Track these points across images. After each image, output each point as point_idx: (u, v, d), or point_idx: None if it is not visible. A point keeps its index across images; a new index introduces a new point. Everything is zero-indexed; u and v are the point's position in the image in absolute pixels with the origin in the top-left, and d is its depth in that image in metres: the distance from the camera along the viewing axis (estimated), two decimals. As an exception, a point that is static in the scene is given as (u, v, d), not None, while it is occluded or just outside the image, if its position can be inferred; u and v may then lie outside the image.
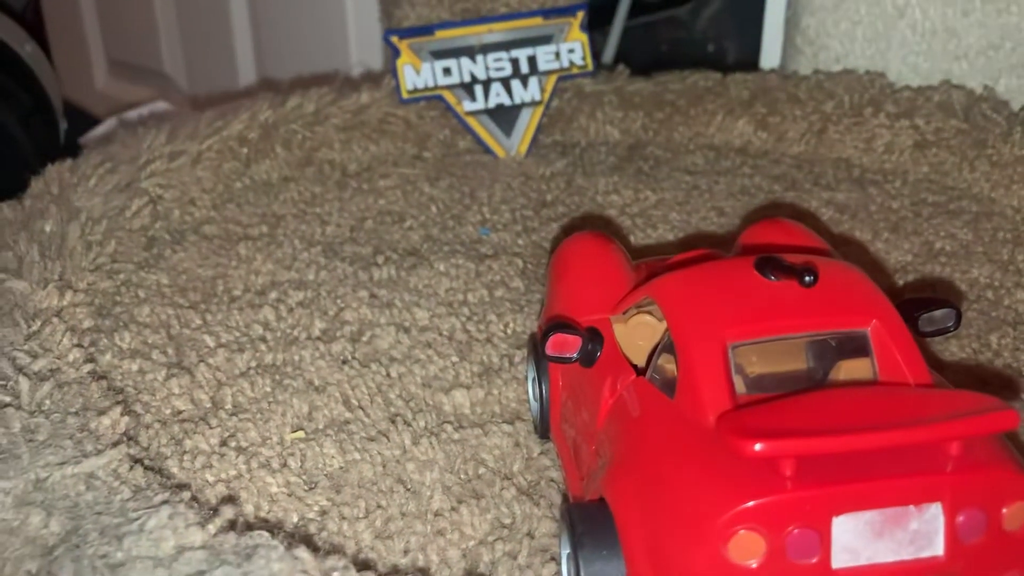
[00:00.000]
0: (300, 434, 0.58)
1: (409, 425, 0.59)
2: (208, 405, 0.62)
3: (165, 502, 0.43)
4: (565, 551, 0.45)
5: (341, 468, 0.56)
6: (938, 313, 0.50)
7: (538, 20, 1.10)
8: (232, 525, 0.43)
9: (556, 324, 0.50)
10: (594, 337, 0.51)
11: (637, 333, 0.51)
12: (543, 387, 0.56)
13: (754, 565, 0.37)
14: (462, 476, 0.55)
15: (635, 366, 0.49)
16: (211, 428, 0.58)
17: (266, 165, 0.99)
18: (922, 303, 0.50)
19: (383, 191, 0.97)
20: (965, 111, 0.96)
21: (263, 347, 0.68)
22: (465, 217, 0.92)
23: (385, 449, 0.57)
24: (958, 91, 0.99)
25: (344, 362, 0.66)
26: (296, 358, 0.67)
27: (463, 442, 0.57)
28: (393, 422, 0.59)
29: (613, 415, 0.47)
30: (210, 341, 0.69)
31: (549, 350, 0.50)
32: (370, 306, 0.73)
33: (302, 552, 0.40)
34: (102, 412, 0.53)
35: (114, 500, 0.44)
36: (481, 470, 0.55)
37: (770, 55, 1.26)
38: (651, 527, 0.40)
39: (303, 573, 0.39)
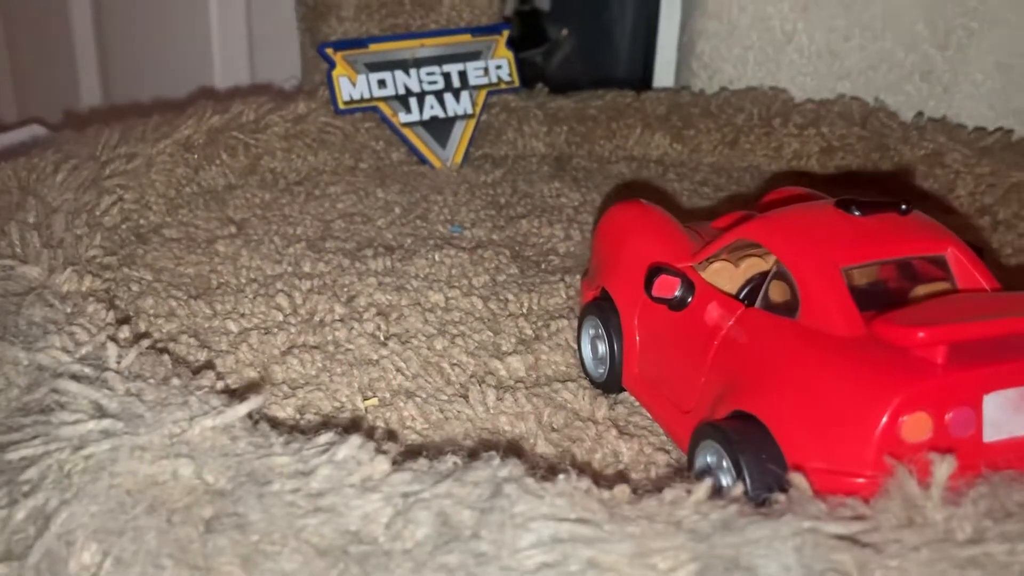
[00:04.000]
0: (374, 401, 0.58)
1: (482, 384, 0.60)
2: (261, 383, 0.60)
3: (332, 443, 0.42)
4: (704, 461, 0.48)
5: (427, 428, 0.56)
6: None
7: (467, 37, 1.14)
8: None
9: (657, 268, 0.54)
10: (689, 279, 0.54)
11: (716, 279, 0.55)
12: (614, 344, 0.59)
13: (923, 441, 0.42)
14: (556, 424, 0.56)
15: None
16: (281, 401, 0.57)
17: (213, 172, 0.96)
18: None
19: (337, 196, 0.97)
20: (863, 119, 1.08)
21: (292, 330, 0.67)
22: (430, 217, 0.93)
23: (466, 408, 0.58)
24: (855, 103, 1.11)
25: (383, 341, 0.66)
26: (331, 339, 0.66)
27: (541, 396, 0.59)
28: (463, 385, 0.60)
29: (729, 344, 0.51)
30: (233, 327, 0.67)
31: (656, 291, 0.53)
32: (382, 291, 0.73)
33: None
34: (197, 375, 0.51)
35: (272, 445, 0.43)
36: (570, 417, 0.57)
37: (663, 78, 1.36)
38: (817, 423, 0.44)
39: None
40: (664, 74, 1.35)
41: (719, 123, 1.14)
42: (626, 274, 0.59)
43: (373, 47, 1.10)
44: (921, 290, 0.51)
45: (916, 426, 0.42)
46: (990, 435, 0.43)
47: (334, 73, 1.08)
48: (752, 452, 0.45)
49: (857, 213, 0.51)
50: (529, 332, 0.68)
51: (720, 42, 1.26)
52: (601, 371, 0.61)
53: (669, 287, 0.53)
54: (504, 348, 0.66)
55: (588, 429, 0.56)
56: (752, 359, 0.49)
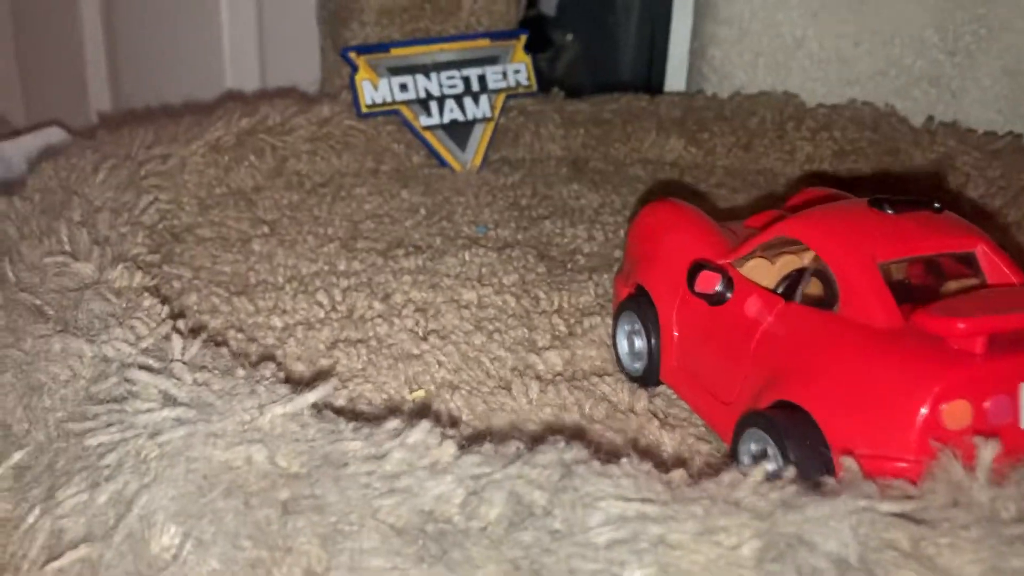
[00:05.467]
0: (422, 393, 0.60)
1: (523, 376, 0.62)
2: (310, 375, 0.62)
3: (401, 429, 0.44)
4: (746, 454, 0.50)
5: (475, 419, 0.58)
6: None
7: (485, 42, 1.16)
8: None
9: (698, 264, 0.56)
10: (729, 275, 0.56)
11: (755, 275, 0.57)
12: (652, 338, 0.61)
13: (964, 427, 0.44)
14: (597, 416, 0.58)
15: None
16: (331, 392, 0.59)
17: (242, 173, 0.98)
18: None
19: (363, 198, 0.99)
20: (874, 124, 1.11)
21: (335, 325, 0.69)
22: (455, 218, 0.95)
23: (509, 400, 0.59)
24: (866, 107, 1.14)
25: (423, 336, 0.68)
26: (372, 334, 0.68)
27: (582, 388, 0.61)
28: (505, 378, 0.62)
29: (770, 337, 0.53)
30: (278, 322, 0.69)
31: (699, 287, 0.55)
32: (418, 288, 0.75)
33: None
34: (258, 366, 0.53)
35: (343, 431, 0.45)
36: (612, 409, 0.59)
37: (675, 83, 1.38)
38: (860, 411, 0.46)
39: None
40: (676, 79, 1.37)
41: (733, 127, 1.17)
42: (664, 270, 0.61)
43: (394, 51, 1.12)
44: (952, 285, 0.53)
45: (957, 413, 0.44)
46: (1027, 421, 0.45)
47: (357, 77, 1.10)
48: (798, 438, 0.47)
49: (890, 211, 0.53)
50: (563, 328, 0.70)
51: (731, 48, 1.28)
52: (638, 366, 0.63)
53: (711, 282, 0.55)
54: (540, 344, 0.68)
55: (630, 420, 0.58)
56: (794, 351, 0.51)
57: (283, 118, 1.04)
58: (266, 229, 0.88)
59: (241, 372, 0.50)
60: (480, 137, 1.14)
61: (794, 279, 0.55)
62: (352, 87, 1.10)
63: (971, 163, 1.02)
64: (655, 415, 0.59)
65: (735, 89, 1.27)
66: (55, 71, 1.71)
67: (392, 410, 0.57)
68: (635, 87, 1.36)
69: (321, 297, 0.73)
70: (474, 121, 1.14)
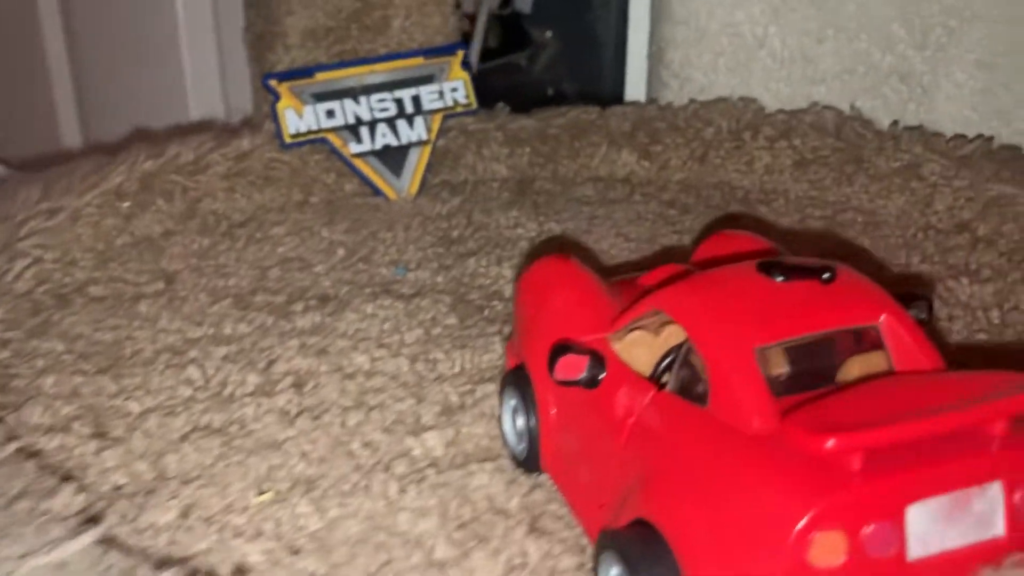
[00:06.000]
0: (268, 496, 0.53)
1: (389, 471, 0.55)
2: (151, 476, 0.55)
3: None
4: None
5: (323, 528, 0.51)
6: (911, 306, 0.51)
7: (419, 60, 1.09)
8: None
9: (561, 346, 0.49)
10: (596, 358, 0.49)
11: (635, 350, 0.50)
12: (531, 418, 0.54)
13: (836, 566, 0.36)
14: (460, 521, 0.51)
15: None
16: (165, 500, 0.52)
17: (147, 219, 0.92)
18: (898, 297, 0.51)
19: (279, 238, 0.92)
20: (837, 129, 1.02)
21: (197, 408, 0.62)
22: (374, 259, 0.88)
23: (367, 502, 0.53)
24: (828, 112, 1.05)
25: (294, 417, 0.61)
26: (238, 416, 0.61)
27: (450, 485, 0.54)
28: (368, 473, 0.55)
29: (638, 433, 0.45)
30: (135, 407, 0.62)
31: (559, 374, 0.48)
32: (303, 355, 0.69)
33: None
34: (51, 493, 0.46)
35: (106, 586, 0.38)
36: (478, 511, 0.52)
37: (635, 89, 1.30)
38: (715, 540, 0.38)
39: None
40: (636, 85, 1.29)
41: (687, 138, 1.08)
42: (540, 344, 0.54)
43: (320, 76, 1.05)
44: (855, 364, 0.46)
45: (828, 547, 0.36)
46: (916, 552, 0.37)
47: (279, 106, 1.03)
48: (647, 571, 0.40)
49: (780, 279, 0.46)
50: (454, 399, 0.63)
51: (690, 49, 1.20)
52: (521, 448, 0.56)
53: (575, 367, 0.48)
54: (424, 420, 0.61)
55: (497, 525, 0.51)
56: (659, 454, 0.44)
57: (196, 155, 0.97)
58: (161, 285, 0.81)
59: (24, 504, 0.44)
60: (416, 162, 1.07)
61: (676, 357, 0.48)
62: (274, 117, 1.03)
63: (938, 172, 0.93)
64: (529, 514, 0.52)
65: (696, 92, 1.19)
66: (23, 106, 1.67)
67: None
68: (617, 81, 1.28)
69: (192, 372, 0.66)
70: (409, 145, 1.07)
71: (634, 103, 1.19)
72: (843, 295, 0.46)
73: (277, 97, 1.03)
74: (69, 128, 1.66)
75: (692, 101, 1.14)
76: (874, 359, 0.45)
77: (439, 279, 0.84)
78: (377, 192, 1.05)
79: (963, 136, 0.98)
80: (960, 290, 0.78)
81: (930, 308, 0.52)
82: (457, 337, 0.72)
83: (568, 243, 0.90)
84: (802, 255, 0.57)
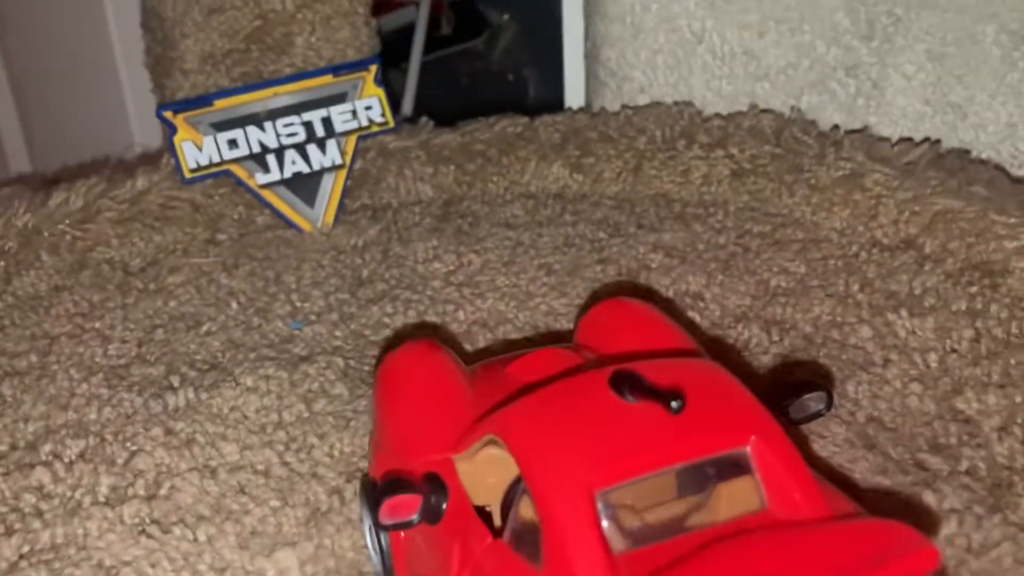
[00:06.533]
0: (90, 644, 0.47)
1: (227, 611, 0.49)
2: (-33, 620, 0.50)
3: None
4: None
5: None
6: (807, 398, 0.45)
7: (328, 78, 1.01)
8: None
9: (388, 484, 0.42)
10: (436, 487, 0.43)
11: (486, 470, 0.44)
12: (382, 539, 0.48)
13: None
14: (298, 671, 0.45)
15: (490, 515, 0.42)
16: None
17: (31, 277, 0.86)
18: (789, 389, 0.45)
19: (172, 290, 0.86)
20: (776, 135, 0.95)
21: (37, 524, 0.56)
22: (271, 310, 0.82)
23: (200, 648, 0.47)
24: (767, 115, 0.98)
25: (140, 531, 0.55)
26: (80, 532, 0.55)
27: (297, 621, 0.48)
28: (206, 609, 0.49)
29: (471, 590, 0.39)
30: (-32, 527, 0.56)
31: (385, 518, 0.41)
32: (166, 447, 0.62)
33: None
34: None
35: None
36: (320, 657, 0.46)
37: (574, 91, 1.23)
38: None
39: None
40: (575, 87, 1.22)
41: (619, 149, 1.01)
42: (382, 461, 0.47)
43: (219, 103, 0.98)
44: (723, 495, 0.39)
45: None
46: None
47: (176, 139, 0.96)
48: None
49: (630, 399, 0.39)
50: (323, 499, 0.57)
51: (626, 47, 1.12)
52: (380, 568, 0.50)
53: (405, 509, 0.42)
54: (285, 529, 0.55)
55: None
56: (488, 623, 0.37)
57: (85, 201, 0.91)
58: (34, 359, 0.75)
59: None
60: (331, 189, 1.00)
61: (514, 494, 0.41)
62: (172, 151, 0.96)
63: (881, 182, 0.86)
64: (376, 659, 0.46)
65: (635, 92, 1.12)
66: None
67: None
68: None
69: (42, 475, 0.60)
70: (322, 171, 1.00)
71: (565, 111, 1.12)
72: (705, 417, 0.39)
73: (174, 129, 0.96)
74: (17, 158, 1.61)
75: (625, 107, 1.06)
76: (745, 489, 0.39)
77: (337, 333, 0.77)
78: (290, 224, 0.98)
79: (910, 140, 0.91)
80: (899, 325, 0.71)
81: (829, 399, 0.45)
82: (340, 414, 0.66)
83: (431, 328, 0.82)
84: (685, 342, 0.50)
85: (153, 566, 0.52)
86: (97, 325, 0.80)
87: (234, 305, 0.83)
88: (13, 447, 0.64)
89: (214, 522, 0.55)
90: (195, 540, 0.54)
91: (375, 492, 0.42)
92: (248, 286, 0.86)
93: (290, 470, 0.60)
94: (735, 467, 0.39)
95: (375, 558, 0.50)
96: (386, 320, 0.79)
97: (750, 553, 0.34)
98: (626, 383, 0.40)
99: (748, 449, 0.39)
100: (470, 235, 0.94)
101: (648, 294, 0.76)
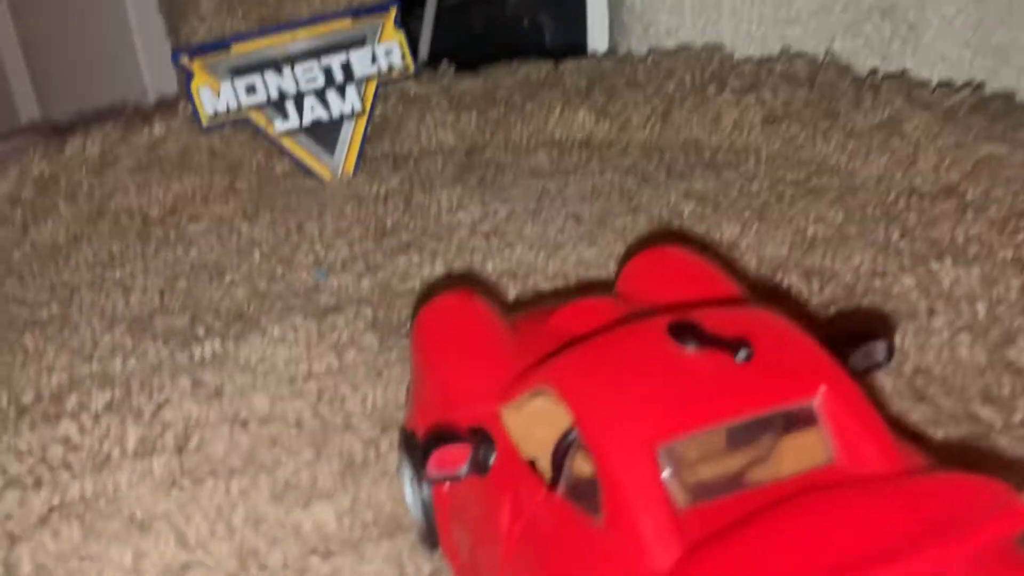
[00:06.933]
0: (126, 596, 0.46)
1: (264, 566, 0.48)
2: (1, 572, 0.48)
3: None
4: None
5: (184, 637, 0.44)
6: (868, 348, 0.43)
7: (347, 23, 0.98)
8: None
9: (434, 436, 0.41)
10: (483, 440, 0.41)
11: (535, 423, 0.42)
12: (424, 492, 0.46)
13: None
14: (339, 625, 0.44)
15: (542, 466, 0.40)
16: (6, 611, 0.45)
17: (49, 226, 0.84)
18: (850, 339, 0.43)
19: (194, 239, 0.84)
20: (810, 80, 0.92)
21: (66, 476, 0.55)
22: (295, 260, 0.80)
23: (239, 602, 0.46)
24: (800, 59, 0.95)
25: (171, 483, 0.54)
26: (110, 485, 0.54)
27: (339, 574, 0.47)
28: (244, 563, 0.48)
29: (525, 545, 0.38)
30: (-5, 479, 0.55)
31: (432, 471, 0.40)
32: (195, 398, 0.61)
33: None
34: None
35: None
36: (362, 611, 0.45)
37: (598, 36, 1.19)
38: None
39: None
40: (598, 31, 1.18)
41: (647, 94, 0.98)
42: (426, 413, 0.46)
43: (237, 48, 0.95)
44: (788, 449, 0.37)
45: None
46: None
47: (193, 85, 0.93)
48: None
49: (692, 347, 0.37)
50: (357, 450, 0.56)
51: (652, -11, 1.09)
52: (420, 520, 0.48)
53: (453, 462, 0.40)
54: (320, 483, 0.53)
55: (380, 631, 0.43)
56: (541, 573, 0.36)
57: (102, 148, 0.88)
58: (55, 308, 0.73)
59: None
60: (351, 136, 0.97)
61: (572, 439, 0.39)
62: (189, 97, 0.93)
63: (921, 128, 0.83)
64: (420, 615, 0.44)
65: (661, 37, 1.08)
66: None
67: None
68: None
69: (68, 427, 0.59)
70: (342, 118, 0.97)
71: (589, 56, 1.09)
72: (771, 367, 0.37)
73: (190, 75, 0.93)
74: (26, 105, 1.59)
75: (652, 51, 1.03)
76: (810, 442, 0.37)
77: (364, 283, 0.75)
78: (310, 173, 0.96)
79: (949, 85, 0.88)
80: (943, 274, 0.69)
81: (890, 350, 0.43)
82: (372, 365, 0.64)
83: (476, 283, 0.80)
84: (743, 281, 0.48)
85: (187, 519, 0.51)
86: (118, 275, 0.79)
87: (256, 254, 0.81)
88: (38, 398, 0.63)
89: (247, 474, 0.54)
90: (228, 493, 0.53)
91: (421, 445, 0.40)
92: (270, 235, 0.84)
93: (323, 422, 0.59)
94: (801, 419, 0.37)
95: (415, 512, 0.49)
96: (413, 270, 0.77)
97: (824, 510, 0.33)
98: (687, 332, 0.38)
99: (816, 400, 0.37)
100: (495, 184, 0.92)
101: (688, 243, 0.74)
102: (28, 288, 0.77)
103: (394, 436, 0.56)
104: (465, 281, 0.74)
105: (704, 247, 0.76)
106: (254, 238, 0.84)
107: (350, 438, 0.57)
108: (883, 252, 0.73)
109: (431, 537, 0.47)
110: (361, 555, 0.48)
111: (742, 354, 0.36)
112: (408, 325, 0.69)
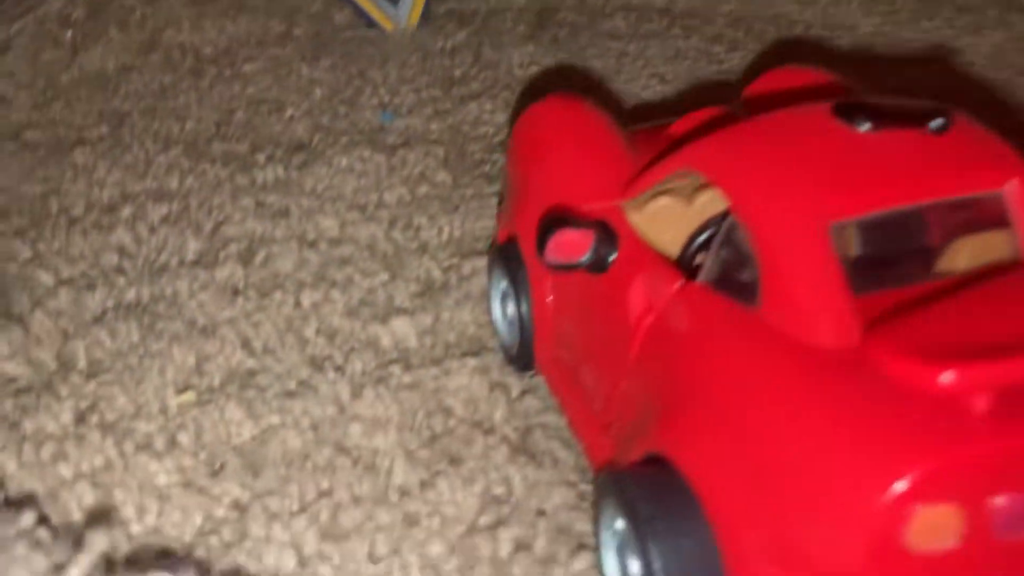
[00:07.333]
0: (190, 396, 0.42)
1: (341, 370, 0.44)
2: (53, 367, 0.45)
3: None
4: (609, 536, 0.31)
5: (255, 439, 0.40)
6: None
7: None
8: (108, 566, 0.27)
9: (555, 219, 0.36)
10: (606, 232, 0.36)
11: (660, 223, 0.37)
12: (522, 305, 0.42)
13: (946, 549, 0.25)
14: (427, 434, 0.40)
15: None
16: (61, 400, 0.42)
17: (99, 52, 0.79)
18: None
19: (251, 76, 0.79)
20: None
21: (121, 281, 0.51)
22: (359, 102, 0.75)
23: (314, 406, 0.42)
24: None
25: (236, 292, 0.50)
26: (169, 291, 0.50)
27: (419, 387, 0.43)
28: (319, 368, 0.44)
29: (657, 337, 0.33)
30: (47, 278, 0.51)
31: (551, 255, 0.35)
32: (258, 217, 0.57)
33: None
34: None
35: None
36: (451, 423, 0.41)
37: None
38: (762, 497, 0.27)
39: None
40: None
41: (736, -38, 0.91)
42: (533, 212, 0.41)
43: None
44: (964, 248, 0.33)
45: (934, 526, 0.24)
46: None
47: (254, -81, 0.87)
48: (669, 536, 0.28)
49: (866, 127, 0.32)
50: (436, 275, 0.51)
51: None
52: (512, 340, 0.44)
53: (574, 247, 0.35)
54: (397, 302, 0.49)
55: (474, 443, 0.39)
56: (683, 370, 0.31)
57: (157, -24, 0.83)
58: (104, 129, 0.69)
59: None
60: (417, -13, 0.91)
61: (714, 233, 0.35)
62: (249, -69, 0.87)
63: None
64: (515, 430, 0.40)
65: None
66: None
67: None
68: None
69: (122, 234, 0.55)
70: (408, -32, 0.91)
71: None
72: (954, 151, 0.32)
73: (252, -93, 0.87)
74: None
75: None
76: (991, 242, 0.32)
77: (433, 126, 0.70)
78: (371, 23, 0.90)
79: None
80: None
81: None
82: (447, 198, 0.59)
83: (589, 81, 0.76)
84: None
85: (254, 327, 0.47)
86: (171, 105, 0.74)
87: (318, 93, 0.76)
88: (89, 208, 0.58)
89: (318, 289, 0.50)
90: (298, 305, 0.49)
91: (540, 229, 0.36)
92: (331, 78, 0.79)
93: (397, 247, 0.54)
94: (986, 212, 0.32)
95: (505, 330, 0.45)
96: (485, 117, 0.72)
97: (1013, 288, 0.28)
98: (859, 110, 0.33)
99: (1006, 191, 0.32)
100: (570, 43, 0.86)
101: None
102: (75, 112, 0.73)
103: (476, 263, 0.52)
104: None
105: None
106: (314, 79, 0.78)
107: (428, 262, 0.52)
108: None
109: (523, 357, 0.43)
110: (445, 370, 0.44)
111: (937, 122, 0.31)
112: (484, 168, 0.64)
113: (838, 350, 0.28)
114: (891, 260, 0.32)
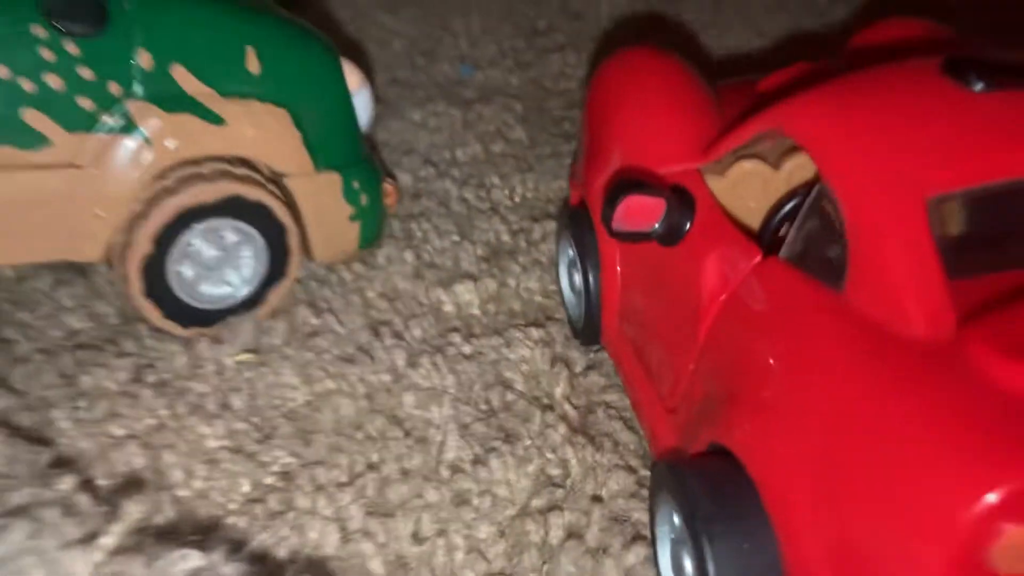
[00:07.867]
0: (249, 356, 0.41)
1: (400, 337, 0.42)
2: (116, 321, 0.44)
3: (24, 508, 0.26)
4: (665, 530, 0.29)
5: (308, 404, 0.39)
6: None
7: None
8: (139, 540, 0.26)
9: (625, 182, 0.33)
10: (681, 199, 0.33)
11: (742, 190, 0.34)
12: (590, 275, 0.39)
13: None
14: (483, 408, 0.38)
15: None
16: (121, 356, 0.41)
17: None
18: None
19: (329, 24, 0.77)
20: None
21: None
22: (438, 53, 0.73)
23: (369, 374, 0.40)
24: None
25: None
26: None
27: (478, 358, 0.41)
28: (376, 333, 0.42)
29: (730, 318, 0.30)
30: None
31: (619, 223, 0.33)
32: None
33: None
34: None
35: None
36: (509, 397, 0.39)
37: None
38: (834, 500, 0.24)
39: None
40: None
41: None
42: (606, 173, 0.38)
43: None
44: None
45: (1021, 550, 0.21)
46: None
47: None
48: (727, 538, 0.26)
49: (979, 87, 0.29)
50: (506, 238, 0.49)
51: None
52: (579, 312, 0.42)
53: (645, 215, 0.33)
54: (463, 265, 0.47)
55: (531, 420, 0.37)
56: (757, 355, 0.28)
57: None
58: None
59: None
60: (504, -65, 0.88)
61: (792, 208, 0.32)
62: None
63: None
64: (575, 408, 0.38)
65: None
66: None
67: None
68: None
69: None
70: (496, -86, 0.87)
71: None
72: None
73: None
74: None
75: None
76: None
77: (513, 80, 0.68)
78: (457, -29, 0.87)
79: None
80: None
81: None
82: (522, 156, 0.57)
83: (681, 34, 0.72)
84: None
85: (321, 284, 0.46)
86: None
87: (396, 45, 0.74)
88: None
89: (383, 251, 0.48)
90: (365, 262, 0.47)
91: (607, 195, 0.33)
92: (411, 28, 0.76)
93: (468, 206, 0.52)
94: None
95: (573, 302, 0.42)
96: (568, 71, 0.69)
97: None
98: (972, 66, 0.29)
99: None
100: (664, -4, 0.82)
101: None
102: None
103: (547, 227, 0.49)
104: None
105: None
106: (394, 29, 0.76)
107: (496, 223, 0.50)
108: None
109: (589, 330, 0.41)
110: (507, 340, 0.41)
111: (1063, 83, 0.27)
112: (563, 126, 0.62)
113: (930, 342, 0.25)
114: (996, 240, 0.28)
